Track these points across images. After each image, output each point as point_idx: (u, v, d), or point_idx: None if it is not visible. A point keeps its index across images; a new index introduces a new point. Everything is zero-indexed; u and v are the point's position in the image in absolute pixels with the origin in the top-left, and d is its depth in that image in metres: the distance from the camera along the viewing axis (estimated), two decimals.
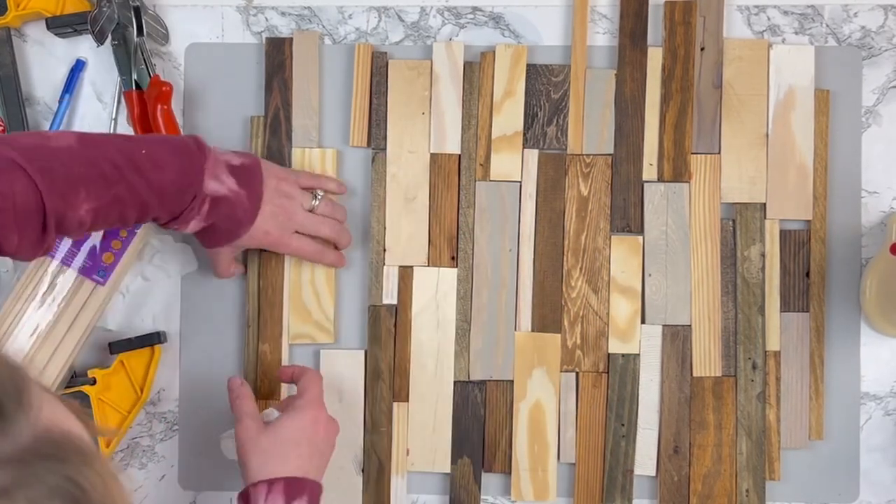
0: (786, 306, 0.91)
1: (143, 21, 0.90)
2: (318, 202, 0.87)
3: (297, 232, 0.86)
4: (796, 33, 0.93)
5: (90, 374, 0.90)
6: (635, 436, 0.91)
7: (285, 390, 0.92)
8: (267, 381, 0.91)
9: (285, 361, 0.92)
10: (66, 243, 0.88)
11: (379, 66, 0.92)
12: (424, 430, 0.91)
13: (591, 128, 0.92)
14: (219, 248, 0.85)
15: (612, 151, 0.92)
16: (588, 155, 0.92)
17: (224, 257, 0.88)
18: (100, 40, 0.90)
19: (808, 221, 0.91)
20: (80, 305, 0.88)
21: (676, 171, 0.91)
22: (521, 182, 0.92)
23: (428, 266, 0.92)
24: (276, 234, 0.85)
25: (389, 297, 0.92)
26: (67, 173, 0.73)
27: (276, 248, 0.87)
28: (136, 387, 0.90)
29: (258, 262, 0.92)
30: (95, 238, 0.89)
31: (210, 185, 0.80)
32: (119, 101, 0.93)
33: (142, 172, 0.76)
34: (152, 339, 0.91)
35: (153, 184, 0.77)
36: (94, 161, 0.75)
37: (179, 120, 0.92)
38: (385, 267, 0.92)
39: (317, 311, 0.92)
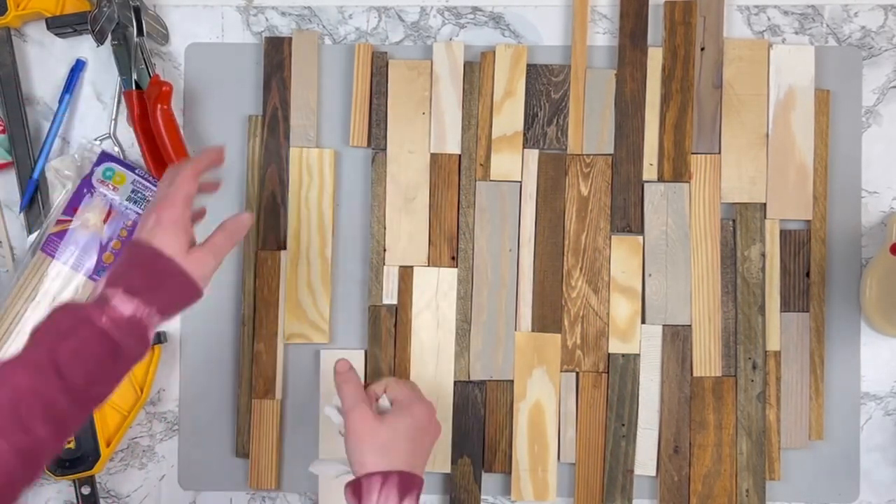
0: (786, 306, 0.91)
1: (143, 21, 0.90)
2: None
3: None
4: (796, 33, 0.93)
5: None
6: (635, 436, 0.91)
7: (279, 389, 0.92)
8: (262, 381, 0.91)
9: (280, 361, 0.92)
10: (66, 243, 0.88)
11: (379, 66, 0.92)
12: None
13: (591, 128, 0.92)
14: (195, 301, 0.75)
15: (612, 151, 0.92)
16: (588, 155, 0.92)
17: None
18: (100, 40, 0.90)
19: (808, 221, 0.91)
20: None
21: (676, 171, 0.91)
22: (521, 182, 0.92)
23: (428, 266, 0.92)
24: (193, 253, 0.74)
25: (389, 297, 0.92)
26: None
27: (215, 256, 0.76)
28: (137, 386, 0.90)
29: (254, 260, 0.92)
30: (96, 238, 0.89)
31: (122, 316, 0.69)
32: (119, 101, 0.94)
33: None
34: (152, 340, 0.90)
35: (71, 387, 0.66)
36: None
37: (179, 120, 0.92)
38: (385, 267, 0.92)
39: (312, 311, 0.92)
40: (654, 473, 0.91)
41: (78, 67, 0.94)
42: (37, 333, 0.68)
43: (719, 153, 0.92)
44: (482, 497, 0.92)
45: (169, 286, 0.72)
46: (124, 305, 0.68)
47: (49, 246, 0.89)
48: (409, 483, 0.76)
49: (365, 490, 0.75)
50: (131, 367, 0.71)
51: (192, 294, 0.73)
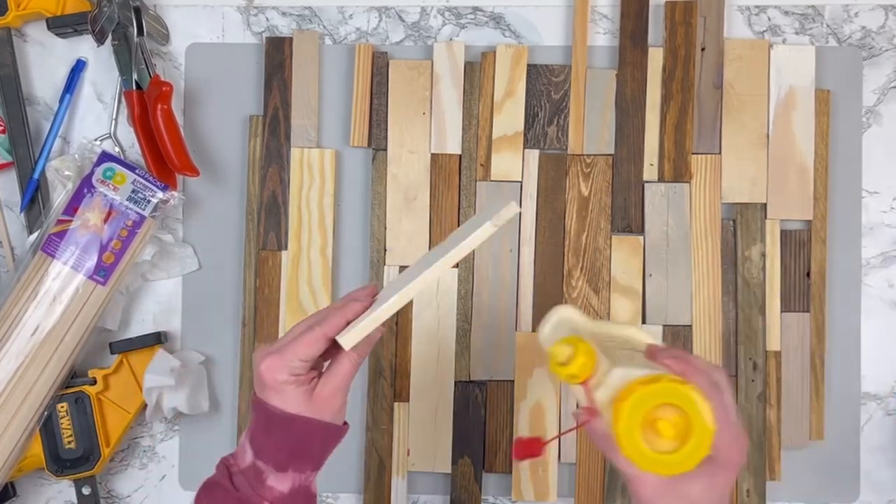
0: (786, 306, 0.91)
1: (144, 21, 0.90)
2: None
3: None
4: (797, 33, 0.93)
5: (90, 374, 0.90)
6: None
7: None
8: None
9: None
10: (66, 243, 0.88)
11: (379, 66, 0.92)
12: (425, 430, 0.91)
13: (591, 128, 0.92)
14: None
15: (612, 152, 0.92)
16: (589, 155, 0.92)
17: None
18: (100, 40, 0.90)
19: (809, 221, 0.91)
20: (80, 305, 0.88)
21: (677, 171, 0.91)
22: (521, 182, 0.92)
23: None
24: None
25: None
26: None
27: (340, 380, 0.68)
28: (138, 386, 0.90)
29: (255, 260, 0.92)
30: (96, 238, 0.88)
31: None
32: (119, 101, 0.94)
33: None
34: (152, 339, 0.91)
35: None
36: None
37: (179, 120, 0.92)
38: (386, 267, 0.92)
39: (313, 311, 0.91)
40: None
41: (78, 67, 0.94)
42: None
43: (720, 153, 0.92)
44: (483, 497, 0.92)
45: (314, 443, 0.67)
46: (281, 484, 0.66)
47: (49, 246, 0.89)
48: None
49: None
50: None
51: (336, 436, 0.68)
